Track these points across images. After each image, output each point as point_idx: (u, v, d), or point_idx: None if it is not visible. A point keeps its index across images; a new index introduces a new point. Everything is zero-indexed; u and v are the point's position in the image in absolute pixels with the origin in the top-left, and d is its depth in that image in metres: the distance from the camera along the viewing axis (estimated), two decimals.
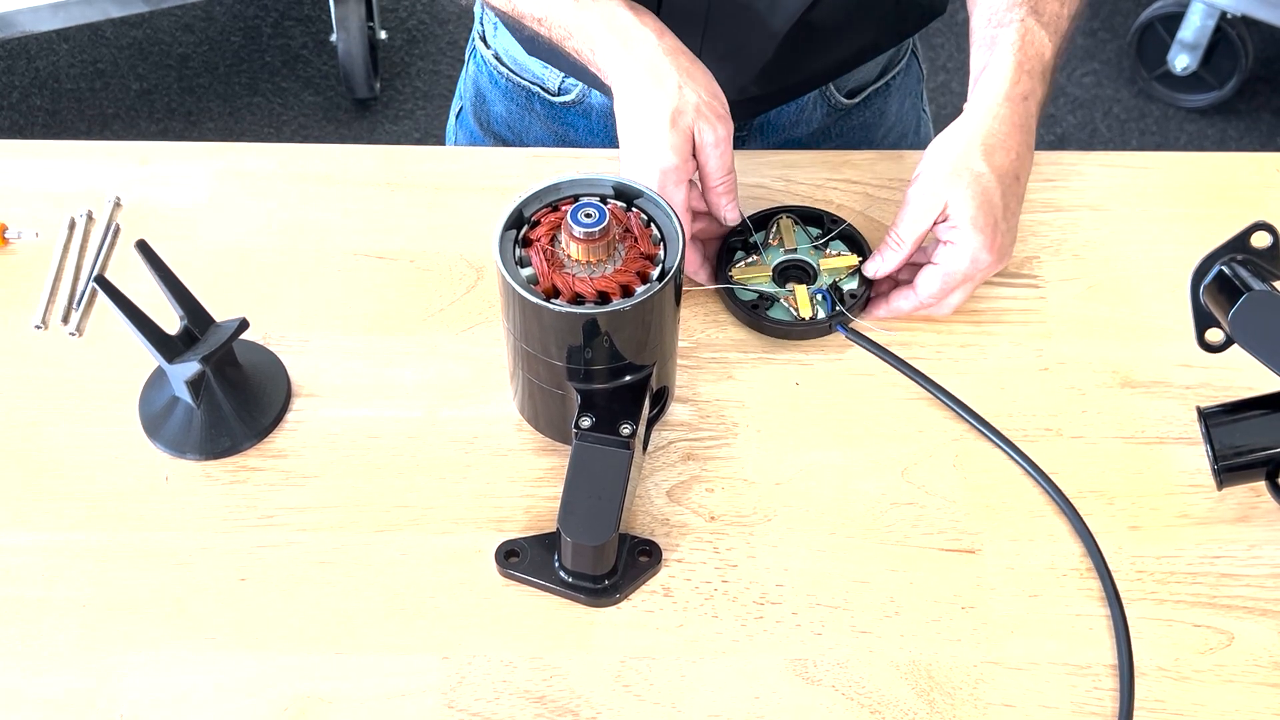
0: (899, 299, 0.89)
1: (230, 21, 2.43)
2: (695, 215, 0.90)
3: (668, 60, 0.83)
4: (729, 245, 0.92)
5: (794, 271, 0.92)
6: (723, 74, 0.88)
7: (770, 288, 0.90)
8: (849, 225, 0.93)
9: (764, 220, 0.94)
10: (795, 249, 0.92)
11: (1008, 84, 0.86)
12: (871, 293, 0.91)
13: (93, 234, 0.95)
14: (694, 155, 0.84)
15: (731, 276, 0.91)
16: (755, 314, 0.89)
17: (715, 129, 0.83)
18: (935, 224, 0.86)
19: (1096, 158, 1.01)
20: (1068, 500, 0.81)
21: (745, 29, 0.97)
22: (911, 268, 0.90)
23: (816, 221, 0.94)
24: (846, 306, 0.89)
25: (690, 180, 0.85)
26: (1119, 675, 0.75)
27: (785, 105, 1.05)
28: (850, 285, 0.90)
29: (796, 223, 0.94)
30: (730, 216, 0.88)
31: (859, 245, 0.92)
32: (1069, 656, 0.76)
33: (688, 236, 0.85)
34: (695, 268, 0.91)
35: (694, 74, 0.84)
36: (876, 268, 0.89)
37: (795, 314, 0.89)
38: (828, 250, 0.92)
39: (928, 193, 0.85)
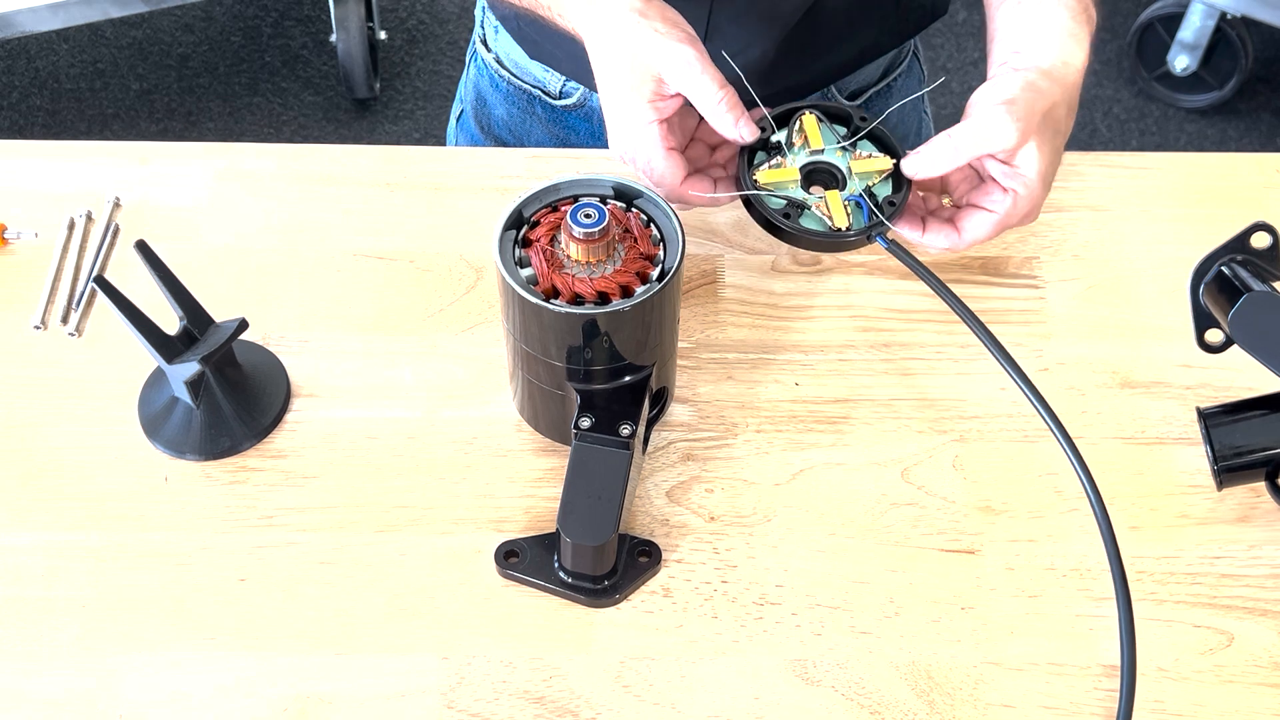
0: (935, 236, 0.81)
1: (230, 21, 2.43)
2: (713, 148, 0.85)
3: (623, 3, 0.79)
4: (748, 147, 0.82)
5: (820, 175, 0.82)
6: (726, 78, 0.87)
7: (799, 194, 0.81)
8: (879, 125, 0.83)
9: (784, 118, 0.84)
10: (821, 149, 0.82)
11: (1083, 58, 0.81)
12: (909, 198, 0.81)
13: (92, 234, 0.95)
14: (668, 93, 0.79)
15: (756, 183, 0.81)
16: (787, 223, 0.79)
17: (678, 53, 0.77)
18: (994, 155, 0.79)
19: (1096, 158, 1.01)
20: (1094, 484, 0.76)
21: (748, 29, 0.96)
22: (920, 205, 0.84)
23: (843, 120, 0.84)
24: (886, 215, 0.80)
25: (668, 121, 0.80)
26: (1121, 671, 0.74)
27: None
28: (885, 191, 0.82)
29: (821, 120, 0.83)
30: (745, 134, 0.80)
31: (891, 148, 0.83)
32: (1069, 657, 0.76)
33: (676, 174, 0.80)
34: (707, 191, 0.82)
35: (648, 10, 0.78)
36: (918, 167, 0.79)
37: (829, 223, 0.79)
38: (857, 151, 0.82)
39: (1016, 122, 0.76)
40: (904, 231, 0.81)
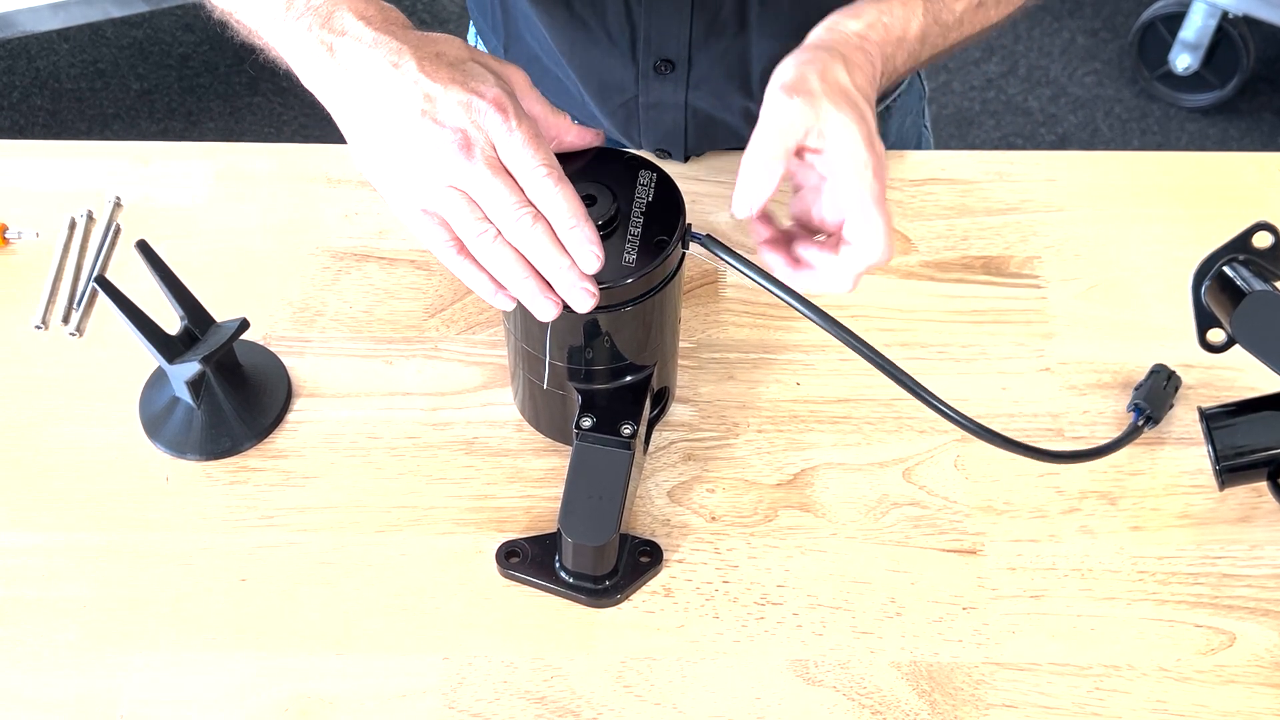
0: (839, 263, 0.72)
1: None
2: None
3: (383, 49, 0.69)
4: None
5: None
6: (714, 129, 0.85)
7: None
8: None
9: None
10: None
11: (858, 25, 0.76)
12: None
13: (93, 234, 0.95)
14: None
15: None
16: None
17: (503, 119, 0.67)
18: (802, 145, 0.71)
19: (1098, 157, 1.01)
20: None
21: (725, 75, 0.95)
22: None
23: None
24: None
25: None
26: None
27: None
28: None
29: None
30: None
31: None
32: (1070, 657, 0.76)
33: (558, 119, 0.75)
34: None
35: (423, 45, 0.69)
36: (746, 198, 0.71)
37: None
38: None
39: (797, 96, 0.70)
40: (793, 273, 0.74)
